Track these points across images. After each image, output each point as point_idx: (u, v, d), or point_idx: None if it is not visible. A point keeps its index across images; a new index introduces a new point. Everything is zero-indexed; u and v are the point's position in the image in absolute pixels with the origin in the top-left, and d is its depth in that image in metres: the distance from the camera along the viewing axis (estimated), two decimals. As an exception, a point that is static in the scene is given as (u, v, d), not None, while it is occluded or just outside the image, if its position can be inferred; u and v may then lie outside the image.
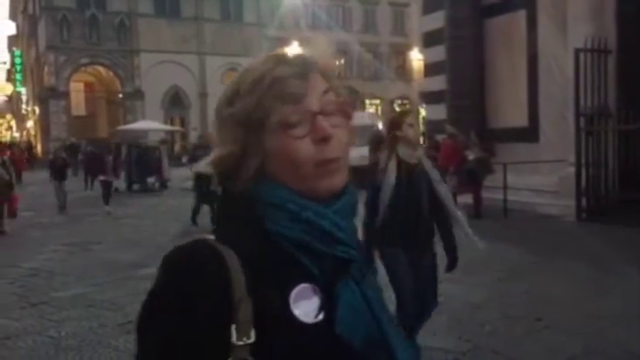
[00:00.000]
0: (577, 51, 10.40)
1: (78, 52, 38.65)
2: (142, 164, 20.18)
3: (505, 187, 11.29)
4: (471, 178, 11.23)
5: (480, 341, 4.89)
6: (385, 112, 44.82)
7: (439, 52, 14.82)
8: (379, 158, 4.16)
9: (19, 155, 25.75)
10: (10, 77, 60.24)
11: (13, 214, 13.15)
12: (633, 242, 8.47)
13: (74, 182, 18.99)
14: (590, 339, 4.88)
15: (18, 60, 53.13)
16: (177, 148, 36.45)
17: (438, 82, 15.07)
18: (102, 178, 15.73)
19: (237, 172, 0.97)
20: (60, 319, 5.90)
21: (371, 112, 36.05)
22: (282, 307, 0.90)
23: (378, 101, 47.16)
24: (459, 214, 4.12)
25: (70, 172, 17.11)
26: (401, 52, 48.26)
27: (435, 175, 4.01)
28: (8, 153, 15.43)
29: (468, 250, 4.39)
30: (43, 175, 16.84)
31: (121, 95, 40.23)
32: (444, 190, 4.05)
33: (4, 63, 64.89)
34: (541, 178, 11.51)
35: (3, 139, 52.29)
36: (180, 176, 20.34)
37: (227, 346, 0.86)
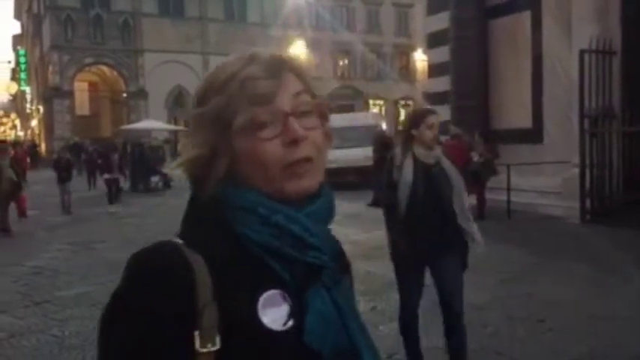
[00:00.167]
0: (582, 52, 10.38)
1: (82, 51, 38.72)
2: (146, 164, 20.21)
3: (509, 188, 11.27)
4: (475, 179, 11.22)
5: (482, 342, 4.88)
6: (389, 113, 44.85)
7: (443, 53, 14.79)
8: (394, 154, 3.94)
9: (23, 154, 25.79)
10: (14, 76, 60.34)
11: (23, 214, 13.17)
12: (637, 244, 8.45)
13: (78, 182, 19.01)
14: (594, 341, 4.87)
15: (22, 59, 53.24)
16: (180, 147, 36.43)
17: (442, 83, 15.05)
18: (107, 176, 15.74)
19: (206, 174, 0.95)
20: (63, 318, 5.92)
21: (375, 113, 36.10)
22: (249, 314, 0.87)
23: (381, 102, 47.16)
24: (471, 218, 3.93)
25: (74, 171, 17.12)
26: (404, 52, 48.25)
27: (453, 175, 3.85)
28: (12, 152, 15.43)
29: (470, 250, 4.38)
30: (48, 174, 16.88)
31: (124, 95, 40.28)
32: (460, 191, 3.87)
33: (9, 62, 64.99)
34: (545, 180, 11.49)
35: (8, 138, 52.47)
36: (184, 176, 20.35)
37: (191, 353, 0.83)
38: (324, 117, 1.00)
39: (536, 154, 12.12)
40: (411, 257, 3.81)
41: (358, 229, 11.00)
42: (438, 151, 3.89)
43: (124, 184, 16.99)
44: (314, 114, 0.97)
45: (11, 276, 8.08)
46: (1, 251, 10.45)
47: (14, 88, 58.94)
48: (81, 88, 41.22)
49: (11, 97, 70.79)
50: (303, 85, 0.98)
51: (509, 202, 11.24)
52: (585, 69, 10.40)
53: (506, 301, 6.06)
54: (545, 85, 12.52)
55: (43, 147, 41.47)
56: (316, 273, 0.94)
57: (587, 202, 10.48)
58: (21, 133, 61.09)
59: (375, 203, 14.19)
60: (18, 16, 61.66)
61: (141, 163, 20.20)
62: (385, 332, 5.28)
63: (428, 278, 3.97)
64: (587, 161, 10.44)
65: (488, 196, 11.42)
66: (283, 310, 0.90)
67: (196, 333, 0.83)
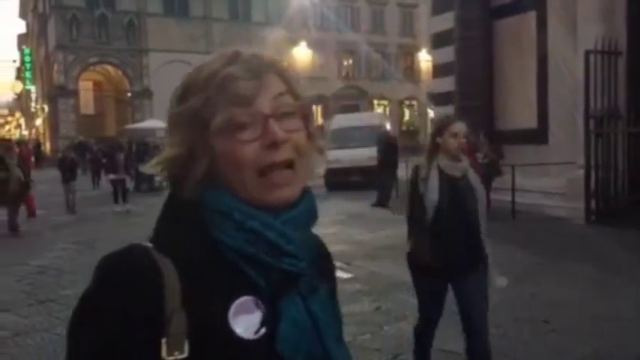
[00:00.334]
0: (587, 52, 10.36)
1: (87, 51, 38.82)
2: (150, 163, 20.21)
3: (513, 189, 11.25)
4: (486, 181, 11.20)
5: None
6: (393, 113, 44.83)
7: (448, 53, 14.77)
8: (419, 165, 3.72)
9: (27, 153, 25.82)
10: (19, 75, 60.55)
11: (32, 214, 13.13)
12: (642, 245, 8.42)
13: (83, 181, 19.06)
14: (598, 341, 4.85)
15: (27, 58, 53.41)
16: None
17: (447, 83, 15.02)
18: (112, 177, 15.74)
19: (185, 175, 0.92)
20: (68, 317, 5.84)
21: (379, 113, 36.07)
22: (220, 321, 0.85)
23: (386, 102, 47.11)
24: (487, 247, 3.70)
25: (79, 171, 17.16)
26: (409, 52, 48.22)
27: (479, 188, 3.66)
28: (17, 150, 15.45)
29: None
30: (52, 173, 16.92)
31: (129, 94, 40.36)
32: (483, 206, 3.69)
33: (14, 61, 65.22)
34: (550, 180, 11.47)
35: (12, 137, 52.60)
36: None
37: None
38: (307, 119, 0.97)
39: (541, 154, 12.09)
40: (435, 269, 3.59)
41: (362, 229, 10.99)
42: (464, 162, 3.68)
43: (130, 184, 17.02)
44: (297, 116, 0.95)
45: (16, 275, 8.10)
46: (6, 250, 10.48)
47: (19, 87, 59.12)
48: (86, 88, 41.34)
49: (16, 96, 71.02)
50: (286, 87, 0.95)
51: (513, 202, 11.21)
52: (591, 69, 10.37)
53: (511, 301, 6.04)
54: (550, 85, 12.49)
55: (47, 146, 41.58)
56: (292, 280, 0.92)
57: (592, 203, 10.45)
58: (25, 132, 61.27)
59: (379, 203, 14.19)
60: (23, 15, 61.86)
61: (145, 163, 20.21)
62: (390, 332, 5.28)
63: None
64: (593, 162, 10.41)
65: (493, 196, 11.38)
66: (256, 317, 0.88)
67: (163, 340, 0.82)
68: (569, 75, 11.65)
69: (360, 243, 9.72)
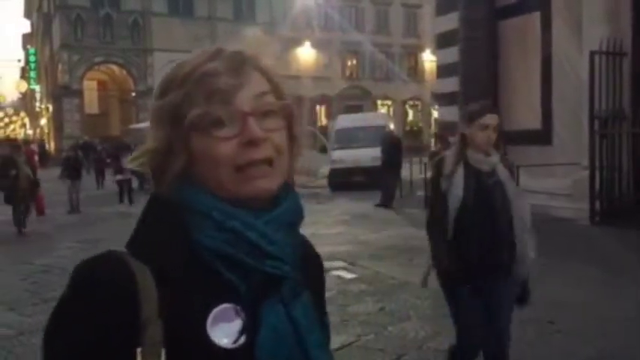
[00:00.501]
0: (592, 53, 10.33)
1: (91, 50, 38.92)
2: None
3: (518, 190, 11.21)
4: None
5: (491, 344, 4.85)
6: (397, 113, 44.81)
7: (452, 54, 14.76)
8: (444, 158, 3.41)
9: (31, 153, 25.92)
10: (24, 75, 60.69)
11: (41, 213, 13.09)
12: (647, 246, 8.40)
13: (87, 181, 19.10)
14: (603, 343, 4.84)
15: (32, 58, 53.52)
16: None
17: (451, 84, 15.01)
18: (119, 177, 15.76)
19: (165, 170, 0.91)
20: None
21: (383, 113, 36.08)
22: (198, 330, 0.83)
23: (389, 102, 47.11)
24: (530, 243, 3.46)
25: (83, 171, 17.18)
26: (413, 53, 48.20)
27: (510, 187, 3.31)
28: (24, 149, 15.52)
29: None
30: (57, 173, 16.94)
31: (133, 94, 40.43)
32: (520, 208, 3.34)
33: (19, 61, 65.34)
34: (554, 181, 11.44)
35: (18, 137, 52.78)
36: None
37: None
38: (291, 119, 0.95)
39: (545, 155, 12.06)
40: (457, 275, 3.30)
41: (366, 230, 10.97)
42: (495, 157, 3.31)
43: (136, 185, 17.05)
44: (279, 115, 0.93)
45: (20, 274, 8.12)
46: (11, 249, 10.52)
47: (24, 86, 59.25)
48: (90, 87, 41.42)
49: (21, 96, 71.17)
50: (269, 85, 0.93)
51: (518, 203, 11.17)
52: (595, 70, 10.34)
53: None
54: (554, 86, 12.47)
55: (52, 146, 41.68)
56: (275, 284, 0.89)
57: (597, 204, 10.43)
58: (30, 132, 61.43)
59: (382, 204, 14.18)
60: (28, 15, 61.98)
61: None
62: (394, 333, 5.27)
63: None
64: (597, 163, 10.38)
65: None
66: (235, 325, 0.85)
67: (138, 350, 0.80)
68: (574, 76, 11.62)
69: (365, 243, 9.71)
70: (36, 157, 25.44)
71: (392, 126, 21.07)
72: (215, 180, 0.89)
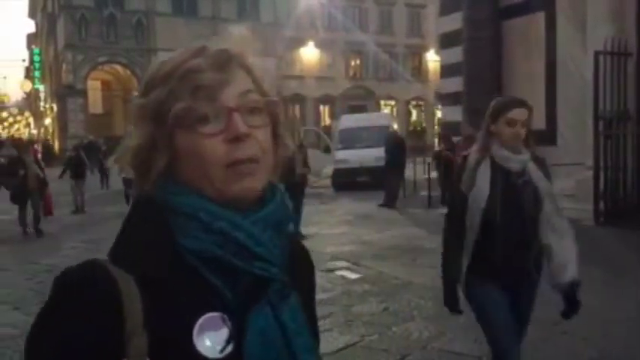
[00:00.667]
0: (596, 53, 10.30)
1: (96, 50, 38.99)
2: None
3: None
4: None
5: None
6: (400, 114, 44.78)
7: (456, 54, 14.75)
8: (468, 156, 3.12)
9: (33, 153, 25.87)
10: (28, 74, 60.85)
11: (49, 213, 12.98)
12: (651, 247, 8.37)
13: (91, 180, 19.14)
14: (608, 344, 4.83)
15: (37, 58, 53.68)
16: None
17: (455, 84, 15.00)
18: (124, 175, 15.77)
19: (149, 168, 0.89)
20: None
21: (387, 113, 36.06)
22: (184, 340, 0.81)
23: (393, 102, 47.07)
24: (570, 250, 3.15)
25: (87, 171, 17.19)
26: (417, 53, 48.15)
27: (543, 187, 3.02)
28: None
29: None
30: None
31: (137, 94, 40.50)
32: (551, 211, 3.04)
33: (23, 60, 65.56)
34: (558, 182, 11.34)
35: (23, 136, 52.91)
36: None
37: None
38: (275, 117, 0.94)
39: (549, 155, 11.89)
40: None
41: (370, 230, 10.97)
42: (525, 155, 3.03)
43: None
44: (264, 113, 0.92)
45: (25, 273, 8.15)
46: (17, 249, 10.54)
47: (28, 86, 59.39)
48: (94, 87, 41.51)
49: (25, 96, 71.36)
50: (253, 84, 0.92)
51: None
52: (600, 70, 10.31)
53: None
54: (559, 86, 12.45)
55: (56, 145, 41.78)
56: (263, 287, 0.87)
57: (601, 204, 10.40)
58: (34, 132, 61.58)
59: (386, 204, 14.17)
60: (32, 15, 62.14)
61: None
62: (398, 333, 5.26)
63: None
64: (602, 163, 10.36)
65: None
66: (222, 334, 0.83)
67: None
68: (578, 76, 11.60)
69: (368, 243, 9.71)
70: (39, 156, 25.40)
71: (395, 126, 21.07)
72: (200, 178, 0.87)
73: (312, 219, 11.29)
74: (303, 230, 10.24)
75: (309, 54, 43.01)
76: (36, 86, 55.45)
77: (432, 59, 41.57)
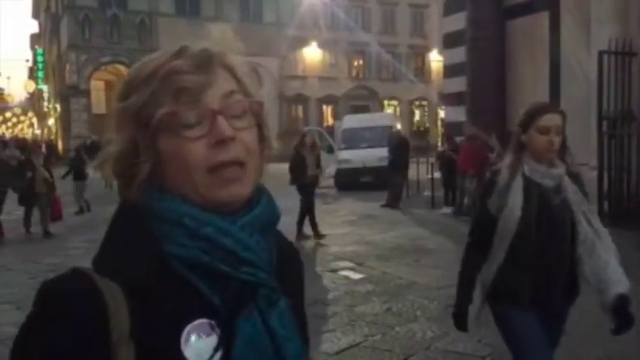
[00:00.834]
0: (601, 53, 10.27)
1: (99, 50, 39.06)
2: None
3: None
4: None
5: (499, 345, 4.82)
6: (403, 114, 44.73)
7: (459, 54, 14.73)
8: (498, 170, 2.77)
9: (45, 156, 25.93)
10: (32, 75, 60.96)
11: (59, 217, 12.71)
12: (656, 247, 8.34)
13: (95, 180, 19.13)
14: (610, 345, 4.80)
15: (40, 58, 53.77)
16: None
17: (458, 84, 14.98)
18: None
19: (132, 174, 0.86)
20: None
21: (390, 113, 36.02)
22: (172, 348, 0.80)
23: (396, 102, 47.04)
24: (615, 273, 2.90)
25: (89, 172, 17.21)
26: (420, 53, 48.11)
27: (577, 206, 2.70)
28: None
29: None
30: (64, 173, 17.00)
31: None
32: (586, 232, 2.73)
33: (27, 60, 65.65)
34: (562, 182, 11.39)
35: (26, 136, 53.02)
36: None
37: None
38: (259, 117, 0.92)
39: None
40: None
41: (374, 230, 10.97)
42: (560, 169, 2.69)
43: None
44: (248, 114, 0.90)
45: (28, 273, 8.16)
46: (19, 249, 10.55)
47: (32, 86, 59.51)
48: (97, 87, 41.55)
49: (29, 96, 71.49)
50: (237, 84, 0.90)
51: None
52: (604, 70, 10.29)
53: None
54: (562, 86, 12.41)
55: (60, 145, 41.85)
56: (251, 292, 0.86)
57: (605, 205, 10.38)
58: (38, 132, 61.69)
59: (389, 204, 14.16)
60: (36, 15, 62.25)
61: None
62: (401, 334, 5.25)
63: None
64: (606, 163, 10.34)
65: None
66: (210, 341, 0.82)
67: None
68: (582, 76, 11.57)
69: (372, 243, 9.70)
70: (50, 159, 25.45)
71: (399, 126, 21.05)
72: (185, 184, 0.85)
73: (316, 219, 11.29)
74: (307, 230, 10.24)
75: (312, 54, 42.99)
76: (39, 86, 55.55)
77: (435, 59, 41.47)
